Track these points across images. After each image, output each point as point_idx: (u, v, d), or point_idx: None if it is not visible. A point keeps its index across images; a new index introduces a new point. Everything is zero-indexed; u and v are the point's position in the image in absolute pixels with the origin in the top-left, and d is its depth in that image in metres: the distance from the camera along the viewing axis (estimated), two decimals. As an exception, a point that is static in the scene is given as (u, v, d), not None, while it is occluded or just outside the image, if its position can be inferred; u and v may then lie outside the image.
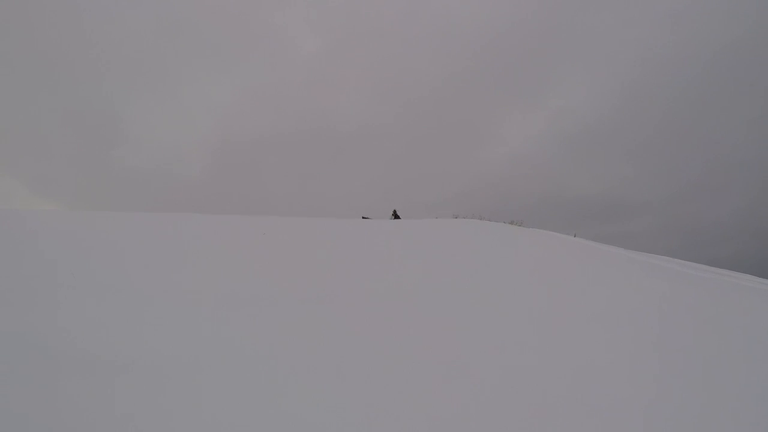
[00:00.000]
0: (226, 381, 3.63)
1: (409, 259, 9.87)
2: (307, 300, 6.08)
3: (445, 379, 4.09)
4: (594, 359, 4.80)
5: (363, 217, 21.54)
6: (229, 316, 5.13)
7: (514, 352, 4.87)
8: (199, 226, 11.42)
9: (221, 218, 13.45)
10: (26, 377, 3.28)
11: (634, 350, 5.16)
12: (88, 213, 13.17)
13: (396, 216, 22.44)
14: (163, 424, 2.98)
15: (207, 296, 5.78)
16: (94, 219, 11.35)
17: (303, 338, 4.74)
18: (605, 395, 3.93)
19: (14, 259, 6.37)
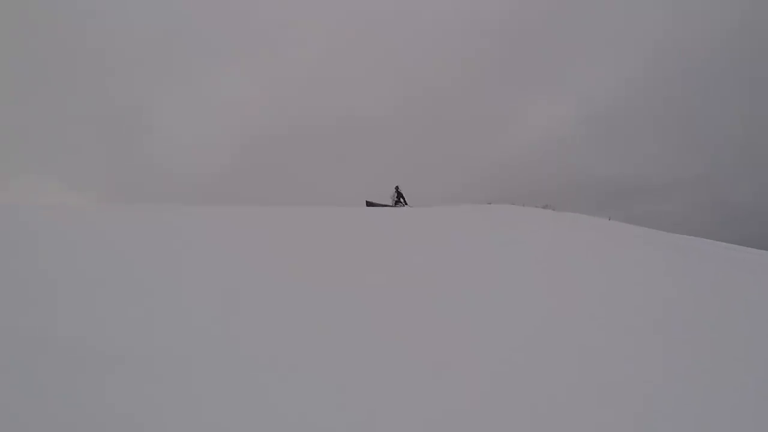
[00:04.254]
0: (221, 376, 3.62)
1: (439, 247, 9.74)
2: (318, 294, 6.06)
3: (447, 378, 4.04)
4: (639, 356, 4.80)
5: (367, 202, 20.09)
6: (227, 310, 5.09)
7: (561, 346, 4.85)
8: (201, 218, 11.39)
9: (228, 210, 13.48)
10: (15, 370, 3.30)
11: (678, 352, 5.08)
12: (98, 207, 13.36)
13: (399, 194, 20.67)
14: (162, 420, 2.98)
15: (206, 289, 5.77)
16: (100, 214, 11.50)
17: (303, 334, 4.68)
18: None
19: (25, 255, 6.52)
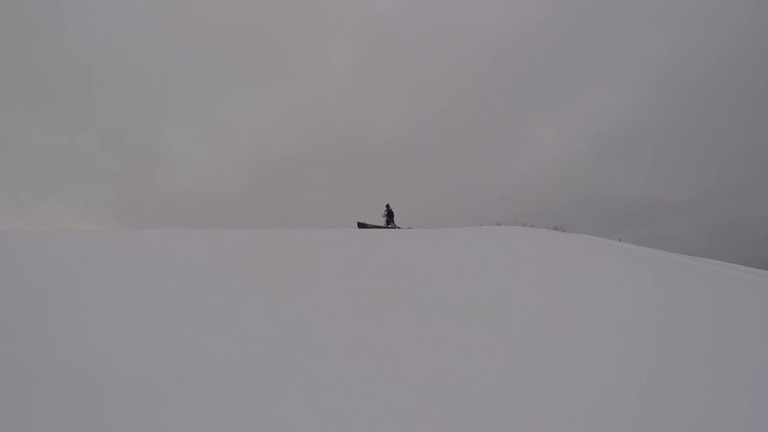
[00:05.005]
0: (221, 392, 3.63)
1: (444, 268, 9.74)
2: (323, 312, 6.08)
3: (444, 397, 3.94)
4: (645, 378, 4.66)
5: (359, 223, 19.52)
6: (228, 327, 5.17)
7: (559, 368, 4.76)
8: (206, 241, 11.58)
9: (238, 232, 13.61)
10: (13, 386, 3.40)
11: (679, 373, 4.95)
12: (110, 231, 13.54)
13: (389, 212, 20.12)
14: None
15: (209, 308, 5.85)
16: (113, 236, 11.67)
17: (306, 350, 4.68)
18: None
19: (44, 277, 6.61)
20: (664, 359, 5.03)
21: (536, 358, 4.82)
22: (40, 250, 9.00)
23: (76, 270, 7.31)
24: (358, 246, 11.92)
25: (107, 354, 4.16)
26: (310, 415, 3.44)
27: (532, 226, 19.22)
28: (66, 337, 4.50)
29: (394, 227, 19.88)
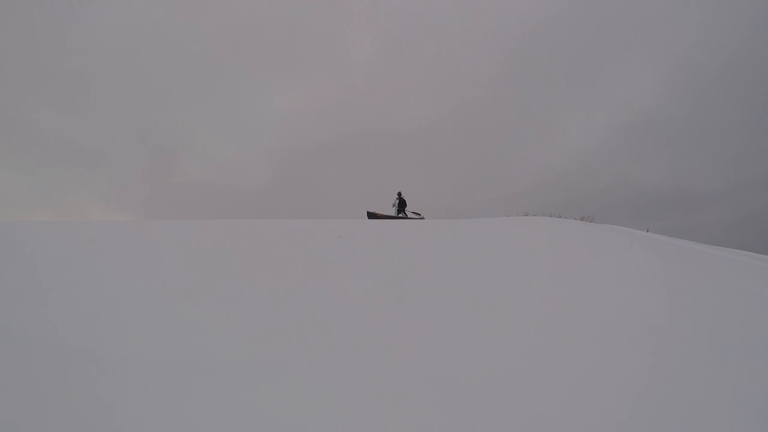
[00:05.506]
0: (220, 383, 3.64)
1: (458, 259, 9.61)
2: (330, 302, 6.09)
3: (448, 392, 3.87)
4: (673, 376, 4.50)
5: (369, 213, 18.45)
6: (235, 317, 5.20)
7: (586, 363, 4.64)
8: (220, 231, 11.68)
9: (258, 223, 13.69)
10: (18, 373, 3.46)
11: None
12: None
13: (401, 200, 19.04)
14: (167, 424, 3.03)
15: (216, 296, 5.88)
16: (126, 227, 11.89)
17: (314, 340, 4.67)
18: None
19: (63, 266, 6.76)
20: (689, 359, 4.84)
21: (547, 352, 4.69)
22: (55, 239, 9.23)
23: (84, 258, 7.46)
24: (371, 237, 11.87)
25: (116, 342, 4.22)
26: (310, 409, 3.43)
27: (560, 217, 18.91)
28: (67, 325, 4.57)
29: (405, 216, 19.19)
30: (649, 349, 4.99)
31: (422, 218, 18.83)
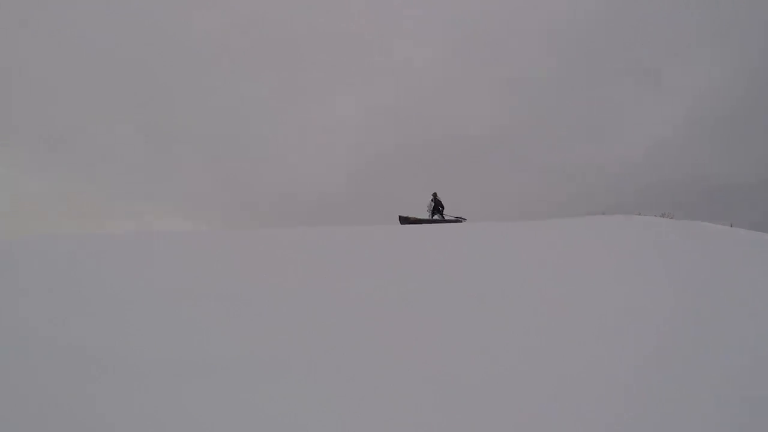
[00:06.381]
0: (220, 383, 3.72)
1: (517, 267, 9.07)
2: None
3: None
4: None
5: (401, 217, 16.98)
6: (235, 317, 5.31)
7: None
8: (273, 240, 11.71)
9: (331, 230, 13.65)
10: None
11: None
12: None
13: (437, 202, 17.39)
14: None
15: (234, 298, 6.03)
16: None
17: (318, 341, 4.69)
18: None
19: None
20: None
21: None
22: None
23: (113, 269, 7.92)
24: (406, 244, 11.57)
25: (141, 343, 4.46)
26: (310, 409, 3.45)
27: (639, 214, 17.73)
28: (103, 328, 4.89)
29: (442, 219, 17.56)
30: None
31: (463, 221, 17.22)
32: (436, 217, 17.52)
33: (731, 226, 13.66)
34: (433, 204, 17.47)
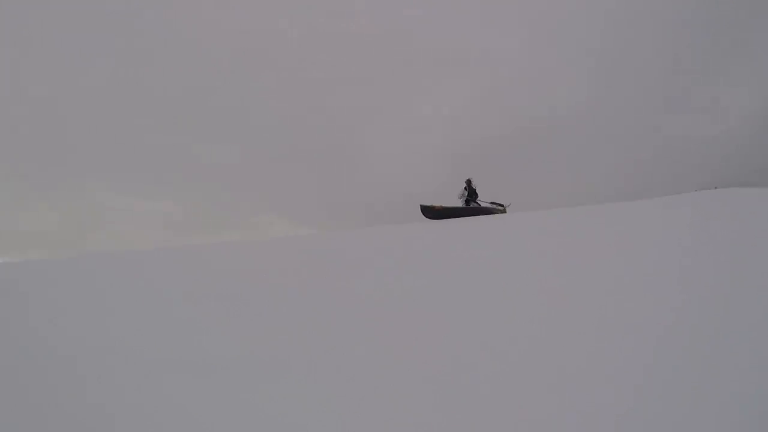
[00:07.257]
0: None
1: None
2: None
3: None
4: None
5: (424, 207, 15.84)
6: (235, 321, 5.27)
7: None
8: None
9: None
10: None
11: None
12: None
13: (470, 190, 16.21)
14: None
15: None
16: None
17: (323, 340, 4.67)
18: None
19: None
20: None
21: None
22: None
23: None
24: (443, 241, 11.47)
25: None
26: (310, 409, 3.44)
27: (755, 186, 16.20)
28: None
29: (479, 207, 16.47)
30: None
31: (503, 210, 16.28)
32: (472, 205, 16.49)
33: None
34: (466, 192, 16.55)
